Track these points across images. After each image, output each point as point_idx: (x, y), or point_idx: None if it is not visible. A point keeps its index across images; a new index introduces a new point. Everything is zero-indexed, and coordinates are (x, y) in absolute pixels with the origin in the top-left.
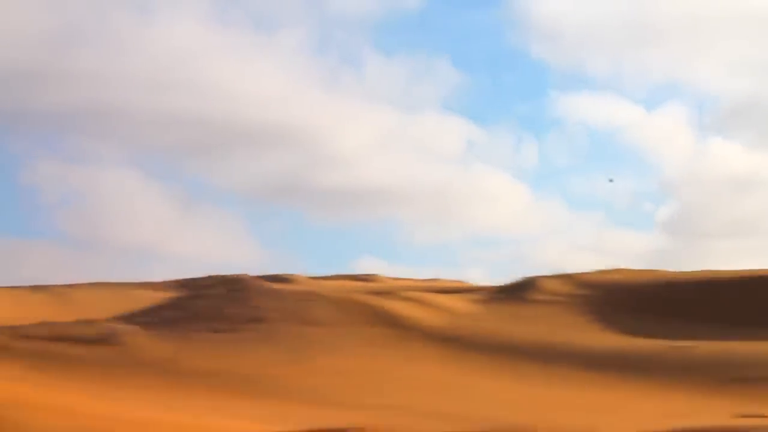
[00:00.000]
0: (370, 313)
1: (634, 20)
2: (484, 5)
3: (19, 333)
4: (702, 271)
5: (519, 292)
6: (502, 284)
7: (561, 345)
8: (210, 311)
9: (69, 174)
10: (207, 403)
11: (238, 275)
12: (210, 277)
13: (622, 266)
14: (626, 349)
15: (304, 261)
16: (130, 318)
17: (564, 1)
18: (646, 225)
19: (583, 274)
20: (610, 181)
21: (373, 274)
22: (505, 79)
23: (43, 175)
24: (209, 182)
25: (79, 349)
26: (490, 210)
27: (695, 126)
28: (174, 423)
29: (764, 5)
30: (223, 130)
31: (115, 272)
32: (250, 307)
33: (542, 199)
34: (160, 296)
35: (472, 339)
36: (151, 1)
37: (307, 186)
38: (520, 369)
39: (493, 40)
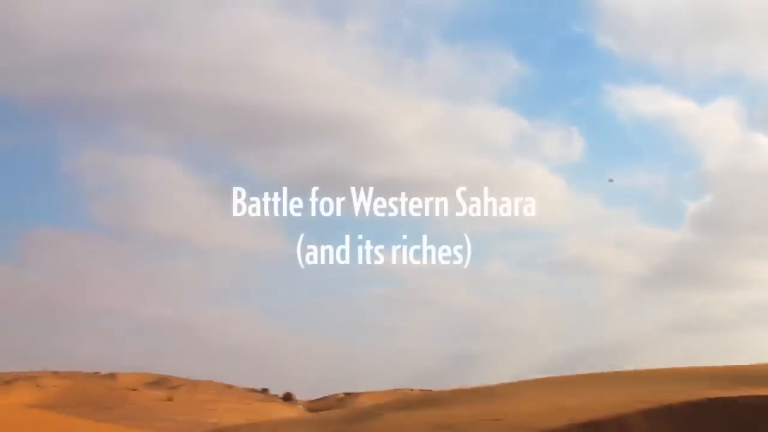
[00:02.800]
0: None
1: (704, 11)
2: None
3: None
4: None
5: None
6: None
7: None
8: None
9: (111, 163)
10: None
11: None
12: None
13: None
14: None
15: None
16: None
17: None
18: (680, 220)
19: None
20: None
21: None
22: (564, 71)
23: (85, 163)
24: (251, 172)
25: None
26: (522, 203)
27: (743, 120)
28: None
29: None
30: (273, 119)
31: (147, 263)
32: None
33: (578, 193)
34: None
35: None
36: None
37: (349, 176)
38: None
39: (559, 30)
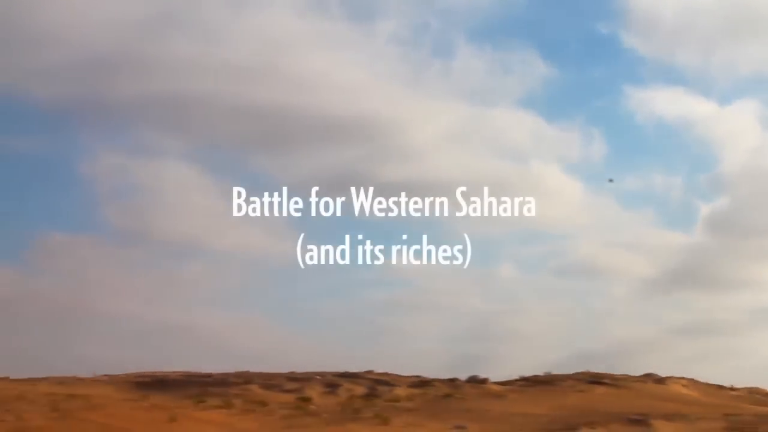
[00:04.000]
0: None
1: (734, 11)
2: None
3: None
4: None
5: None
6: None
7: None
8: None
9: (127, 167)
10: None
11: None
12: None
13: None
14: None
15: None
16: None
17: None
18: (694, 223)
19: None
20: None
21: None
22: (589, 72)
23: (101, 167)
24: (268, 176)
25: None
26: (539, 207)
27: (766, 122)
28: None
29: None
30: (294, 122)
31: (156, 268)
32: None
33: (594, 195)
34: None
35: None
36: None
37: (364, 180)
38: None
39: (586, 30)
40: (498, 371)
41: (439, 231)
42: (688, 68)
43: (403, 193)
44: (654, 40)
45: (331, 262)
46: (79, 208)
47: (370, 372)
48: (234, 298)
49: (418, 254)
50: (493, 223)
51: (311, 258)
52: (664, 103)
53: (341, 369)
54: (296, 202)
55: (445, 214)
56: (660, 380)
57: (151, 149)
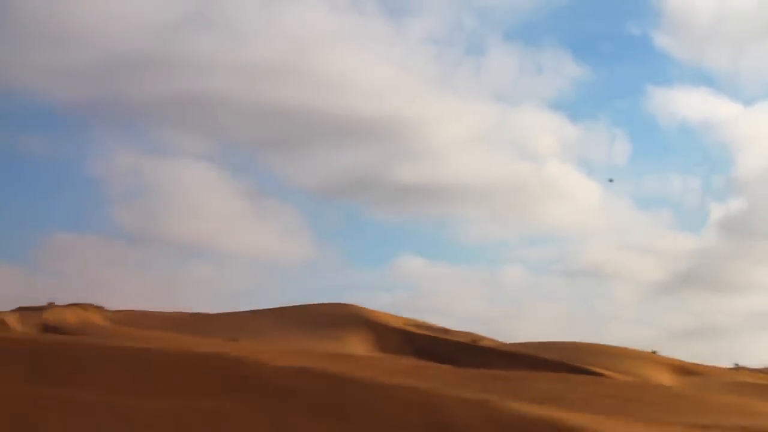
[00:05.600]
0: None
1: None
2: None
3: None
4: None
5: None
6: None
7: None
8: None
9: (141, 166)
10: None
11: None
12: None
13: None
14: None
15: (347, 257)
16: None
17: None
18: (706, 225)
19: None
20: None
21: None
22: (621, 73)
23: (114, 167)
24: (281, 177)
25: None
26: (555, 208)
27: None
28: None
29: None
30: (314, 123)
31: (163, 268)
32: None
33: (612, 197)
34: None
35: None
36: None
37: (381, 181)
38: None
39: (620, 31)
40: None
41: (449, 233)
42: (716, 69)
43: (416, 195)
44: (686, 41)
45: (341, 261)
46: (91, 207)
47: None
48: (242, 298)
49: (426, 255)
50: (505, 226)
51: (325, 257)
52: (687, 103)
53: None
54: (310, 203)
55: (456, 216)
56: None
57: (168, 149)
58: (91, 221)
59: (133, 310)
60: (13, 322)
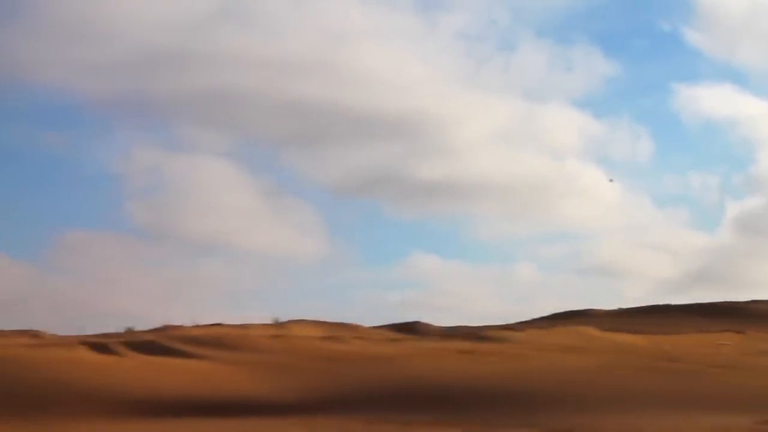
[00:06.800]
0: None
1: None
2: None
3: None
4: None
5: None
6: None
7: None
8: None
9: (161, 163)
10: None
11: None
12: None
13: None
14: None
15: (361, 255)
16: None
17: None
18: (720, 224)
19: None
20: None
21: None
22: (650, 70)
23: (133, 164)
24: (301, 174)
25: None
26: (573, 206)
27: None
28: None
29: None
30: (338, 119)
31: (176, 267)
32: None
33: (632, 194)
34: None
35: None
36: None
37: (401, 179)
38: None
39: (651, 27)
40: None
41: (464, 231)
42: (746, 66)
43: (436, 193)
44: (717, 37)
45: (355, 259)
46: (110, 204)
47: None
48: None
49: (439, 253)
50: (522, 223)
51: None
52: (712, 101)
53: None
54: (328, 201)
55: (474, 214)
56: None
57: (189, 146)
58: (108, 219)
59: None
60: None
